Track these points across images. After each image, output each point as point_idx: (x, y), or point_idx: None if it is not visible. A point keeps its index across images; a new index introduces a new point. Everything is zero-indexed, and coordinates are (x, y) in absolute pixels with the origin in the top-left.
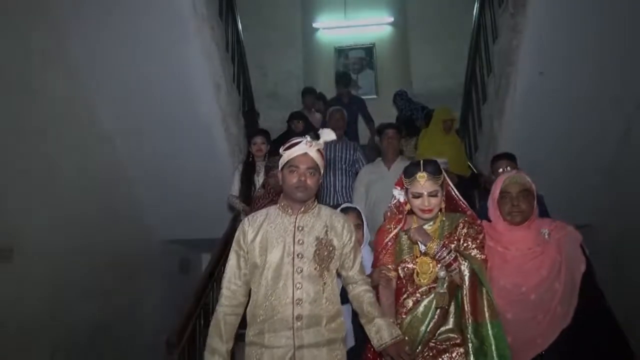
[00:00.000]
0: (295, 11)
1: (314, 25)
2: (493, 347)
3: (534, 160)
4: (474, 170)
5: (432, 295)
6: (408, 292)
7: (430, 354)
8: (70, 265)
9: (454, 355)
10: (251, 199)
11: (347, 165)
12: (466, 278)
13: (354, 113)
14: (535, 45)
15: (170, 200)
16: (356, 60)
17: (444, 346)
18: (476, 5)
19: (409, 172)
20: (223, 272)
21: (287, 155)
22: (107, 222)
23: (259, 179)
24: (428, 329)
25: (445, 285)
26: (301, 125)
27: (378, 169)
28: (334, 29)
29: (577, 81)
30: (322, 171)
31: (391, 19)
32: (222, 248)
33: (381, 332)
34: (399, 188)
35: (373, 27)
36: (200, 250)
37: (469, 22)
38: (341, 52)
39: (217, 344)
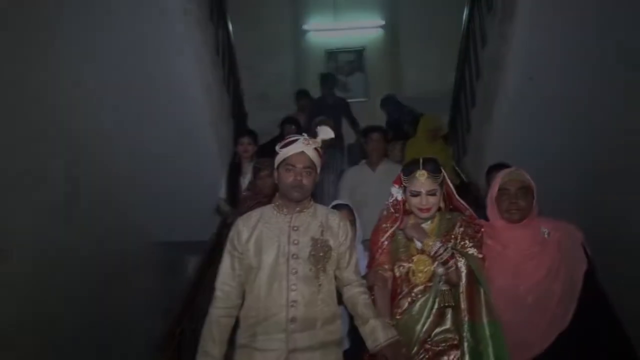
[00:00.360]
0: (285, 13)
1: (305, 27)
2: (490, 349)
3: (522, 165)
4: (463, 178)
5: (428, 294)
6: (403, 293)
7: (427, 356)
8: (57, 267)
9: (451, 358)
10: (237, 201)
11: (334, 176)
12: (463, 275)
13: (338, 115)
14: (523, 51)
15: (160, 202)
16: (346, 63)
17: (440, 347)
18: (465, 11)
19: (408, 170)
20: (211, 275)
21: (283, 153)
22: (95, 223)
23: (245, 181)
24: (424, 329)
25: (441, 283)
26: (293, 129)
27: (362, 172)
28: (325, 32)
29: (566, 87)
30: (318, 170)
31: (382, 22)
32: (211, 250)
33: (376, 333)
34: (397, 186)
35: (364, 30)
36: (190, 252)
37: (460, 27)
38: (331, 54)
39: (210, 348)
